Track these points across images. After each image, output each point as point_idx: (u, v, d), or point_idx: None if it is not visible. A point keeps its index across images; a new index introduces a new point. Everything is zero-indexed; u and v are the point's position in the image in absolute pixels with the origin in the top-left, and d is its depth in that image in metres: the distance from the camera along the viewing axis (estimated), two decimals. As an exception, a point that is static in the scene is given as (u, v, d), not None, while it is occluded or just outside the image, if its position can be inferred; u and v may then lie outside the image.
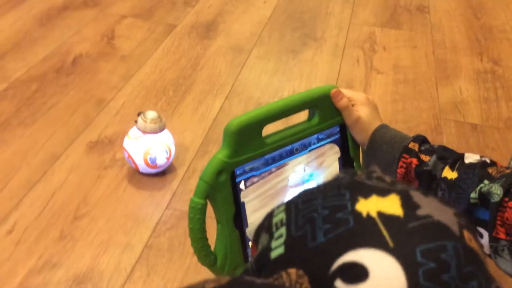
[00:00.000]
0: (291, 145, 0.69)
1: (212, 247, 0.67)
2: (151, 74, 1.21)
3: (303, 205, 0.37)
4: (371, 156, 0.68)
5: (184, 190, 0.87)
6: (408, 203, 0.35)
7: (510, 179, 0.55)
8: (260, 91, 1.16)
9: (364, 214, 0.34)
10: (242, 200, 0.66)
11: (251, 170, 0.66)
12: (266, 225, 0.39)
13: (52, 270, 0.72)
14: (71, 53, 1.27)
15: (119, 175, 0.90)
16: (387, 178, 0.39)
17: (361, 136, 0.69)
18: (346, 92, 0.70)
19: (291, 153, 0.70)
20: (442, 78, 1.23)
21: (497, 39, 1.42)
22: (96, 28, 1.39)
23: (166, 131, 0.90)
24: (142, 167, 0.88)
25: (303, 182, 0.72)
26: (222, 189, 0.64)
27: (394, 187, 0.37)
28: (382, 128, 0.68)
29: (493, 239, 0.55)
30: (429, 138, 0.65)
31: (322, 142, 0.73)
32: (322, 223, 0.34)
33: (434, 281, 0.31)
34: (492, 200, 0.54)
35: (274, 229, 0.38)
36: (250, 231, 0.68)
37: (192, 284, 0.31)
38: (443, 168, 0.60)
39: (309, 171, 0.72)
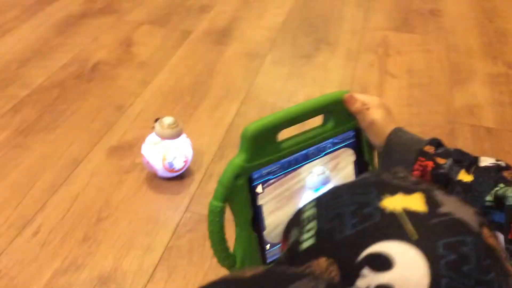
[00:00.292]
0: (307, 150, 0.71)
1: (231, 249, 0.68)
2: (168, 80, 1.24)
3: (332, 201, 0.40)
4: (386, 159, 0.69)
5: (202, 193, 0.90)
6: (431, 201, 0.38)
7: None
8: (274, 96, 1.18)
9: (390, 209, 0.37)
10: (259, 203, 0.68)
11: (268, 174, 0.68)
12: (297, 220, 0.42)
13: (77, 271, 0.75)
14: (90, 60, 1.30)
15: (139, 179, 0.93)
16: (411, 178, 0.42)
17: (377, 139, 0.70)
18: (359, 96, 0.72)
19: (307, 158, 0.71)
20: (457, 82, 1.24)
21: (510, 42, 1.42)
22: (113, 35, 1.42)
23: (183, 136, 0.92)
24: (161, 171, 0.90)
25: (320, 186, 0.74)
26: (240, 193, 0.66)
27: (418, 186, 0.40)
28: (398, 131, 0.69)
29: (509, 241, 0.56)
30: (444, 142, 0.66)
31: (337, 147, 0.74)
32: (351, 217, 0.37)
33: (455, 272, 0.33)
34: (508, 203, 0.55)
35: (305, 223, 0.40)
36: (267, 233, 0.70)
37: (233, 273, 0.34)
38: (458, 171, 0.61)
39: (328, 173, 0.74)
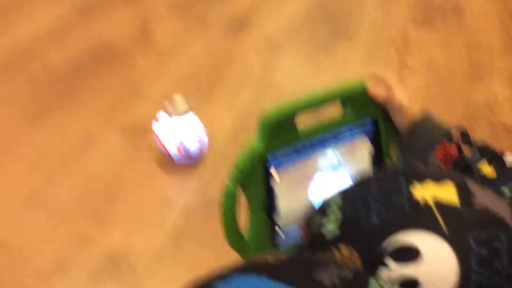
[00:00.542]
0: (323, 136, 0.70)
1: (243, 233, 0.68)
2: (185, 65, 1.23)
3: (359, 190, 0.39)
4: (411, 139, 0.67)
5: (214, 177, 0.89)
6: (464, 193, 0.36)
7: None
8: (291, 85, 1.17)
9: (420, 199, 0.35)
10: (273, 188, 0.68)
11: (283, 159, 0.68)
12: (322, 210, 0.41)
13: (86, 246, 0.75)
14: (109, 45, 1.30)
15: (152, 160, 0.93)
16: (440, 165, 0.40)
17: (404, 120, 0.68)
18: (379, 75, 0.71)
19: (323, 144, 0.71)
20: (476, 79, 1.22)
21: (533, 42, 1.40)
22: (133, 22, 1.42)
23: (197, 120, 0.92)
24: (175, 155, 0.90)
25: (334, 169, 0.73)
26: (255, 177, 0.65)
27: (449, 174, 0.38)
28: (428, 115, 0.68)
29: None
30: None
31: (354, 135, 0.73)
32: (377, 206, 0.36)
33: (486, 268, 0.32)
34: None
35: (329, 212, 0.39)
36: (280, 217, 0.69)
37: (255, 258, 0.33)
38: (480, 161, 0.60)
39: (340, 159, 0.73)
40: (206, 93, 1.13)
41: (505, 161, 0.60)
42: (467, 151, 0.62)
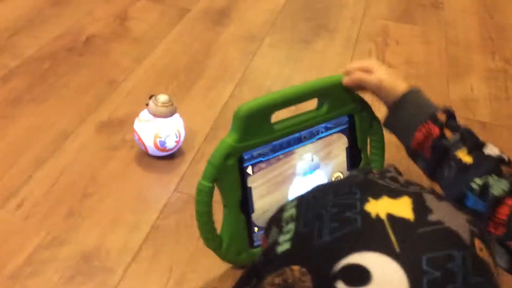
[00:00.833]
0: (299, 133, 0.70)
1: (219, 231, 0.67)
2: (163, 57, 1.21)
3: (314, 201, 0.37)
4: (396, 114, 0.66)
5: (192, 174, 0.88)
6: (420, 207, 0.34)
7: None
8: (270, 79, 1.17)
9: (373, 215, 0.33)
10: (249, 185, 0.67)
11: (259, 155, 0.67)
12: (277, 219, 0.40)
13: (60, 246, 0.73)
14: (83, 33, 1.28)
15: (128, 156, 0.91)
16: (401, 179, 0.39)
17: (388, 96, 0.66)
18: (356, 64, 0.70)
19: (299, 141, 0.70)
20: (454, 75, 1.23)
21: (510, 38, 1.41)
22: (108, 9, 1.39)
23: (176, 115, 0.90)
24: (152, 149, 0.89)
25: (310, 171, 0.73)
26: (230, 173, 0.65)
27: (407, 188, 0.37)
28: (416, 91, 0.66)
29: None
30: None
31: (330, 131, 0.73)
32: (330, 221, 0.34)
33: None
34: (494, 193, 0.54)
35: (284, 223, 0.38)
36: (256, 216, 0.69)
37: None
38: (460, 148, 0.60)
39: (317, 160, 0.73)
40: (184, 87, 1.11)
41: (484, 152, 0.60)
42: (449, 134, 0.62)
